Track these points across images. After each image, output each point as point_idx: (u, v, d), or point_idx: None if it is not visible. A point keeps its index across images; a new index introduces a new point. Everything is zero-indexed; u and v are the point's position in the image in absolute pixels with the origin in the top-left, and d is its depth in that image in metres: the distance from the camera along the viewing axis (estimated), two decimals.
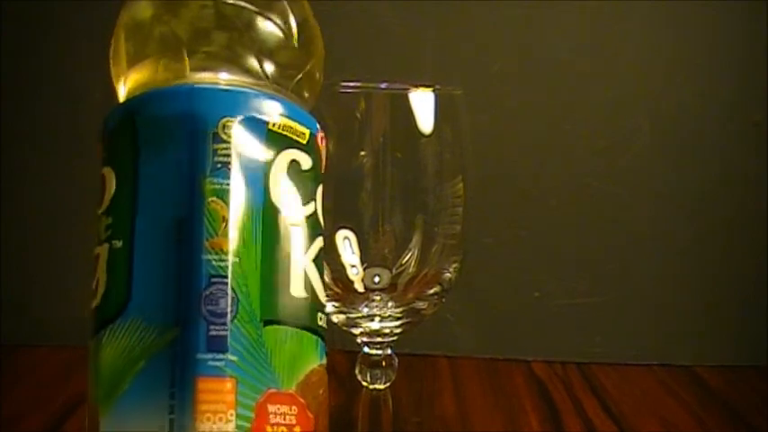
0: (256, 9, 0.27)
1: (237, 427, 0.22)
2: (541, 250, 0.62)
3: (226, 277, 0.23)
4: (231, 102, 0.25)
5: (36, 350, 0.60)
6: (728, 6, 0.59)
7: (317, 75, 0.29)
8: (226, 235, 0.23)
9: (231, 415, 0.22)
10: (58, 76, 0.60)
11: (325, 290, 0.27)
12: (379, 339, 0.36)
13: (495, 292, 0.62)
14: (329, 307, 0.34)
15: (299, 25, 0.28)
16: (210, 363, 0.22)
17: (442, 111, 0.34)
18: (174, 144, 0.24)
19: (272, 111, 0.25)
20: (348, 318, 0.35)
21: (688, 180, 0.61)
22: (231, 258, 0.23)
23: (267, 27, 0.27)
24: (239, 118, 0.24)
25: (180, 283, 0.23)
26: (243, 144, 0.24)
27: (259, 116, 0.25)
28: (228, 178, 0.24)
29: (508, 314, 0.63)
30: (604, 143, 0.61)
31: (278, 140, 0.25)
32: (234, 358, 0.23)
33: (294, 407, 0.24)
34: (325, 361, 0.26)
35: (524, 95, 0.61)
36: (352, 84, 0.33)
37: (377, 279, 0.34)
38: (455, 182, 0.35)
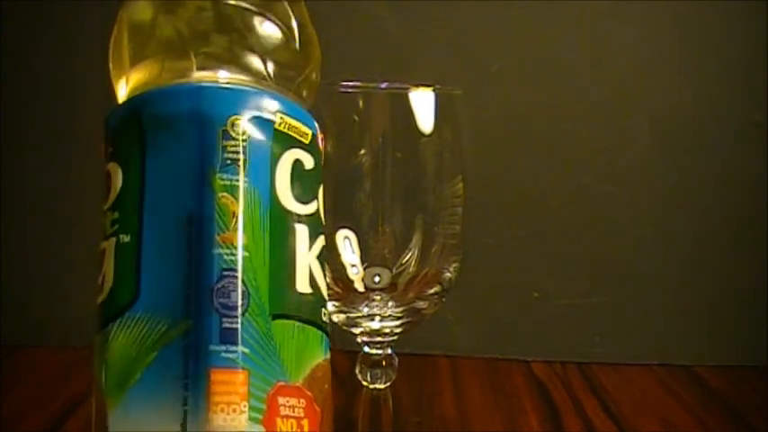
0: (260, 10, 0.27)
1: (250, 418, 0.22)
2: (541, 250, 0.62)
3: (237, 271, 0.23)
4: (239, 100, 0.25)
5: (36, 350, 0.60)
6: (728, 6, 0.59)
7: (315, 76, 0.29)
8: (236, 230, 0.24)
9: (244, 406, 0.22)
10: (58, 76, 0.60)
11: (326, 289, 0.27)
12: (379, 339, 0.36)
13: (495, 292, 0.62)
14: (329, 306, 0.34)
15: (299, 27, 0.28)
16: (224, 354, 0.23)
17: (442, 111, 0.34)
18: (183, 140, 0.24)
19: (278, 110, 0.26)
20: (348, 317, 0.35)
21: (688, 180, 0.62)
22: (242, 253, 0.24)
23: (271, 28, 0.27)
24: (247, 116, 0.25)
25: (191, 277, 0.23)
26: (251, 142, 0.25)
27: (266, 115, 0.25)
28: (238, 174, 0.24)
29: (508, 314, 0.63)
30: (604, 143, 0.61)
31: (283, 140, 0.26)
32: (246, 350, 0.23)
33: (302, 400, 0.24)
34: (329, 356, 0.26)
35: (524, 95, 0.61)
36: (351, 84, 0.33)
37: (377, 279, 0.34)
38: (455, 182, 0.35)
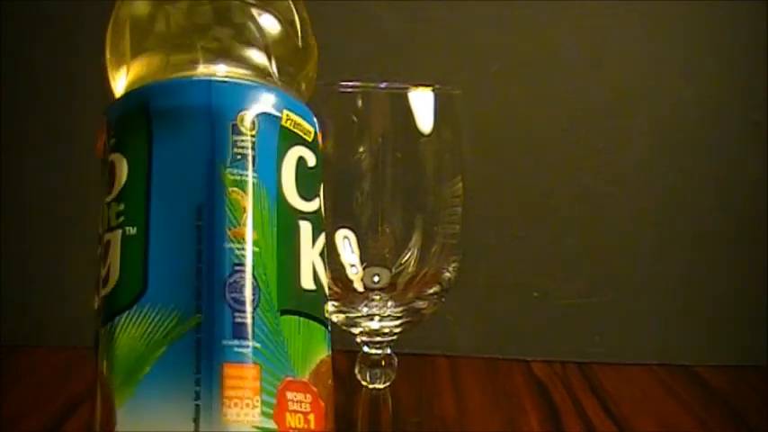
0: (264, 7, 0.27)
1: (263, 413, 0.23)
2: (541, 250, 0.62)
3: (248, 266, 0.23)
4: (248, 96, 0.25)
5: (36, 350, 0.60)
6: (728, 6, 0.59)
7: (313, 74, 0.30)
8: (246, 225, 0.24)
9: (257, 401, 0.22)
10: (58, 76, 0.60)
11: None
12: (378, 339, 0.36)
13: (495, 292, 0.62)
14: (329, 306, 0.34)
15: (301, 24, 0.28)
16: (236, 349, 0.23)
17: (442, 110, 0.34)
18: (192, 134, 0.24)
19: (284, 108, 0.26)
20: (348, 317, 0.35)
21: (688, 180, 0.61)
22: (252, 248, 0.24)
23: (275, 25, 0.27)
24: (256, 112, 0.25)
25: (202, 271, 0.23)
26: (259, 138, 0.25)
27: (273, 112, 0.25)
28: (247, 170, 0.24)
29: (508, 314, 0.63)
30: (604, 143, 0.61)
31: (289, 137, 0.26)
32: (257, 345, 0.23)
33: (308, 395, 0.24)
34: (331, 352, 0.26)
35: (524, 95, 0.61)
36: (351, 83, 0.33)
37: (376, 278, 0.34)
38: (454, 182, 0.35)
